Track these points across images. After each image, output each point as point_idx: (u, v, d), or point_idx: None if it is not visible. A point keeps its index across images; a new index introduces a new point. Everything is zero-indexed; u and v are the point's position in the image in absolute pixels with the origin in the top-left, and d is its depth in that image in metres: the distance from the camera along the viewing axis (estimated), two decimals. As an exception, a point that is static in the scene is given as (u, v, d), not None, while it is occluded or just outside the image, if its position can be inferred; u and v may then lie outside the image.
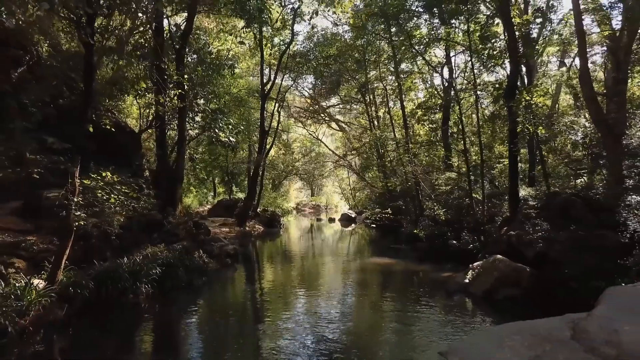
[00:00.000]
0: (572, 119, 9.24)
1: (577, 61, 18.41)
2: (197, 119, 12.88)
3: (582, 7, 13.79)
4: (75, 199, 5.60)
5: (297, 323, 6.13)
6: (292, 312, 6.89)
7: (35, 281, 5.88)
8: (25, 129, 6.21)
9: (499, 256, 7.78)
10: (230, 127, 13.64)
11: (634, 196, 6.99)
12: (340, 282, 9.56)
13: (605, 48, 15.57)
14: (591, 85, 8.39)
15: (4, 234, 7.00)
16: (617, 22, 14.60)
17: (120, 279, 6.84)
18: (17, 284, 5.65)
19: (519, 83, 16.80)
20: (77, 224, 5.96)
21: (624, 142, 8.26)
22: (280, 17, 18.76)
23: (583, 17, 17.31)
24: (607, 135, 8.09)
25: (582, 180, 9.86)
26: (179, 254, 8.86)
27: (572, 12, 14.73)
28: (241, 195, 25.57)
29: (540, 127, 10.92)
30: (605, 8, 12.51)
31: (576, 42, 13.01)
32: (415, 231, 12.77)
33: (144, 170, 13.93)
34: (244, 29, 12.93)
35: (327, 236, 21.16)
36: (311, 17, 17.15)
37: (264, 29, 17.39)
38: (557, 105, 22.94)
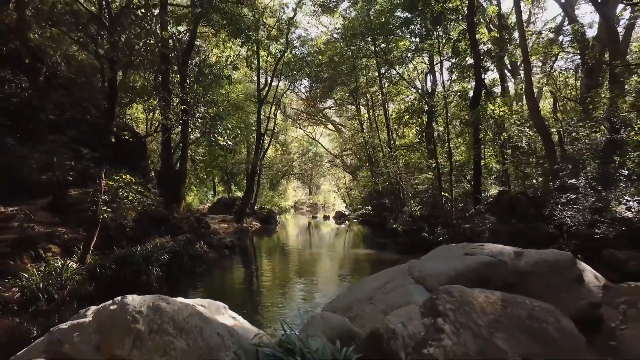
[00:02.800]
0: (519, 128, 10.63)
1: (557, 65, 19.94)
2: (197, 124, 14.26)
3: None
4: (102, 197, 7.02)
5: (287, 293, 7.62)
6: (282, 288, 8.35)
7: (69, 262, 7.32)
8: (63, 142, 7.64)
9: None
10: (228, 131, 15.03)
11: (563, 195, 8.42)
12: (324, 267, 11.02)
13: (579, 57, 17.08)
14: (534, 99, 9.80)
15: (39, 226, 8.42)
16: (590, 33, 16.06)
17: (135, 263, 8.25)
18: (55, 265, 7.08)
19: (499, 88, 18.25)
20: (102, 216, 7.38)
21: (568, 147, 9.71)
22: (276, 26, 20.26)
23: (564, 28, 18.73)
24: (547, 142, 9.51)
25: (537, 180, 11.29)
26: (183, 245, 10.28)
27: (555, 21, 16.15)
28: (240, 194, 26.96)
29: (503, 134, 12.36)
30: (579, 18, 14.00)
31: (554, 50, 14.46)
32: (394, 226, 14.19)
33: (150, 171, 15.35)
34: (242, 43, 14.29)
35: (319, 232, 22.57)
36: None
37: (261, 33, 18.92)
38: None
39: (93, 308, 2.65)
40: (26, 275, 6.43)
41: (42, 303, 6.27)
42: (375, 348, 1.94)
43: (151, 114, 16.53)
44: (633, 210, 8.44)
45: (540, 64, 24.25)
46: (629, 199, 8.44)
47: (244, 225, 19.46)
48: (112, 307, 2.52)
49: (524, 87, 10.71)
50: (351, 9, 22.18)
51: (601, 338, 3.09)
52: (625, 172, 8.65)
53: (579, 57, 15.97)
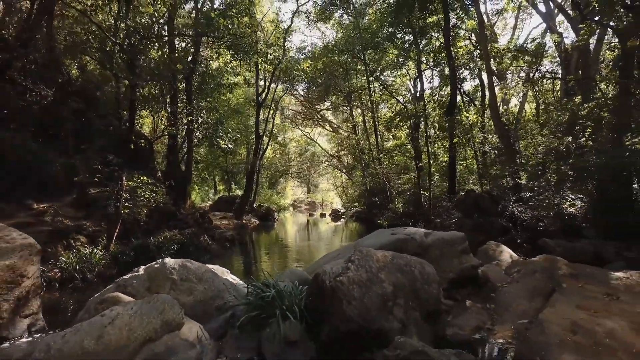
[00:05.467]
0: (484, 135, 12.01)
1: (541, 69, 21.26)
2: (201, 129, 15.65)
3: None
4: (124, 195, 8.43)
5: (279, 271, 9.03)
6: (277, 269, 9.75)
7: (96, 250, 8.71)
8: (94, 150, 9.06)
9: (424, 237, 10.64)
10: (229, 135, 16.41)
11: (517, 193, 9.80)
12: (314, 256, 12.43)
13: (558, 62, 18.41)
14: (497, 109, 11.16)
15: (67, 220, 9.82)
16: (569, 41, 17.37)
17: (150, 251, 9.65)
18: (85, 251, 8.48)
19: (482, 92, 19.58)
20: (123, 211, 8.79)
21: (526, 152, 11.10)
22: (273, 34, 21.67)
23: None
24: (508, 147, 10.89)
25: (503, 180, 12.66)
26: (189, 237, 11.71)
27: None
28: (239, 193, 28.32)
29: (476, 138, 13.75)
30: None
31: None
32: (380, 221, 15.59)
33: (157, 172, 16.76)
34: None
35: (315, 228, 23.98)
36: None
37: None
38: (523, 111, 25.72)
39: (142, 267, 4.06)
40: (64, 259, 7.84)
41: (78, 282, 7.67)
42: (315, 282, 3.31)
43: (157, 117, 17.89)
44: (576, 206, 9.84)
45: (525, 68, 25.62)
46: (573, 197, 9.84)
47: (244, 221, 20.84)
48: (156, 265, 3.92)
49: (489, 99, 12.06)
50: (344, 18, 23.59)
51: (486, 291, 4.49)
52: (572, 174, 10.02)
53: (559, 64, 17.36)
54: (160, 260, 3.99)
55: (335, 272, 3.19)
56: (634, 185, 9.14)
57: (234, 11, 9.30)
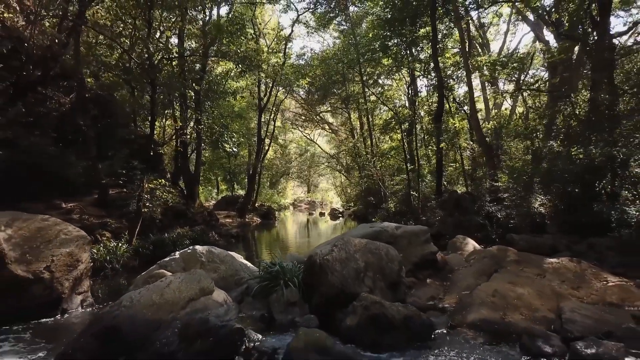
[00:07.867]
0: (466, 142, 13.20)
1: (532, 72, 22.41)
2: (208, 134, 16.86)
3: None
4: (145, 195, 9.65)
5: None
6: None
7: (120, 244, 9.92)
8: (120, 157, 10.31)
9: (411, 233, 11.84)
10: (233, 139, 17.63)
11: (492, 194, 11.01)
12: (310, 247, 13.62)
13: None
14: (477, 119, 12.34)
15: (92, 217, 11.04)
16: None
17: (165, 245, 10.85)
18: (111, 245, 9.68)
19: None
20: (143, 210, 10.01)
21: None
22: (275, 41, 22.89)
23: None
24: (488, 152, 12.08)
25: (486, 182, 13.86)
26: (199, 233, 12.94)
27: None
28: (242, 192, 29.56)
29: (463, 143, 14.94)
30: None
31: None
32: (374, 219, 16.78)
33: (166, 173, 17.97)
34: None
35: (313, 226, 25.21)
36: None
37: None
38: (514, 114, 26.91)
39: (178, 252, 5.28)
40: (95, 251, 9.05)
41: (107, 271, 8.90)
42: (309, 261, 4.52)
43: (165, 121, 19.09)
44: (546, 206, 11.04)
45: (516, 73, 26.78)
46: (543, 197, 11.04)
47: (246, 220, 22.07)
48: (188, 251, 5.15)
49: (470, 110, 13.23)
50: (342, 26, 24.78)
51: (445, 272, 5.70)
52: (542, 178, 11.20)
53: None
54: (191, 247, 5.21)
55: (324, 253, 4.39)
56: (596, 189, 10.35)
57: (243, 39, 10.45)
